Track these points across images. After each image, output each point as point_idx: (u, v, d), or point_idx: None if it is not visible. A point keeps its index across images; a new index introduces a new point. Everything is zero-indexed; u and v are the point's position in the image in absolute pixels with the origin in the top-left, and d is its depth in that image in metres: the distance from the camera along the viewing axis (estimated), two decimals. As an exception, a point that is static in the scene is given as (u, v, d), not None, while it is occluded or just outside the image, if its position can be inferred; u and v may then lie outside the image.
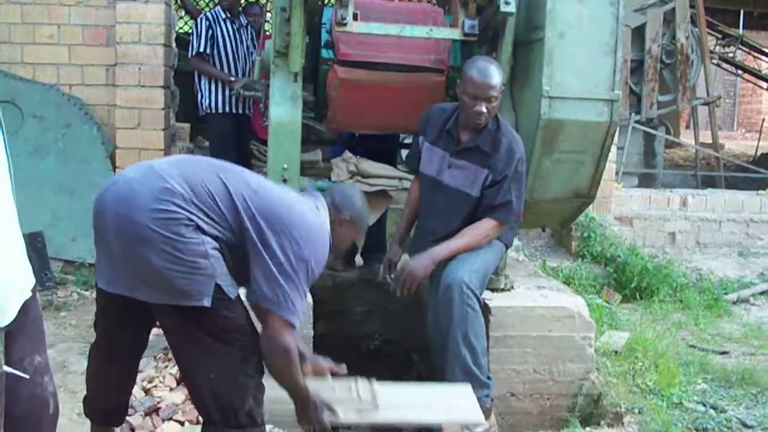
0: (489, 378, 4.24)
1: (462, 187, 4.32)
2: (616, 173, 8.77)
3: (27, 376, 2.29)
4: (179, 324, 2.98)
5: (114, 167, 6.60)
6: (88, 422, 4.00)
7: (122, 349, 3.36)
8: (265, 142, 4.97)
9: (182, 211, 2.84)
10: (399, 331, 5.54)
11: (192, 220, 2.85)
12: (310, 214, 3.13)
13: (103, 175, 6.44)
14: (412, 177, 5.12)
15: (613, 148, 7.66)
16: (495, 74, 4.18)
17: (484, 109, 4.17)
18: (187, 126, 7.50)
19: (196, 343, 2.99)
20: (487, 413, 4.14)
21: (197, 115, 7.30)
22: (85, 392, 3.47)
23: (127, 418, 4.29)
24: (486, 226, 4.29)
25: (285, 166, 4.63)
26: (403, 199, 5.04)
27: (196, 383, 3.09)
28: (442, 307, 4.18)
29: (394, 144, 6.13)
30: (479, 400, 3.97)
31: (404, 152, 6.98)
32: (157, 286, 2.88)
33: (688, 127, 17.80)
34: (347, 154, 5.00)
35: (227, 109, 6.92)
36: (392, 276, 4.36)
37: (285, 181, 4.64)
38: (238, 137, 7.03)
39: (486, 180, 4.27)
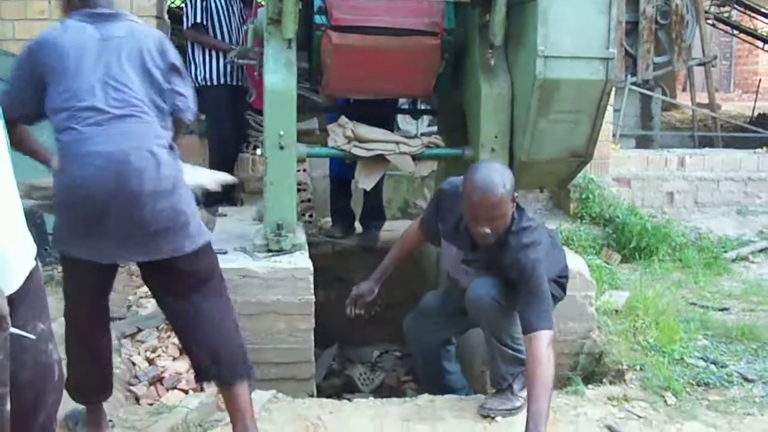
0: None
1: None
2: (613, 135, 8.74)
3: (33, 337, 2.29)
4: (196, 270, 3.06)
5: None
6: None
7: (102, 317, 3.40)
8: (260, 112, 4.97)
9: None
10: (400, 297, 5.55)
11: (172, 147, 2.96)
12: None
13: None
14: (410, 141, 5.12)
15: (610, 110, 7.65)
16: (494, 191, 3.62)
17: (487, 230, 3.70)
18: (182, 99, 7.46)
19: (212, 284, 3.20)
20: None
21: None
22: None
23: (132, 387, 4.33)
24: (541, 362, 3.56)
25: (281, 132, 4.62)
26: (401, 163, 5.05)
27: (212, 331, 3.22)
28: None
29: (391, 109, 6.11)
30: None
31: (401, 117, 6.99)
32: (180, 233, 3.01)
33: (684, 89, 17.74)
34: (343, 119, 4.99)
35: (223, 81, 6.89)
36: (356, 310, 4.28)
37: (282, 147, 4.64)
38: (234, 108, 7.01)
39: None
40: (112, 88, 3.04)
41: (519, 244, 3.74)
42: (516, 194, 3.75)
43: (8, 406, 2.17)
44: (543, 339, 3.57)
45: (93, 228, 2.98)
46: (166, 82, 3.20)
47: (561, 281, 4.15)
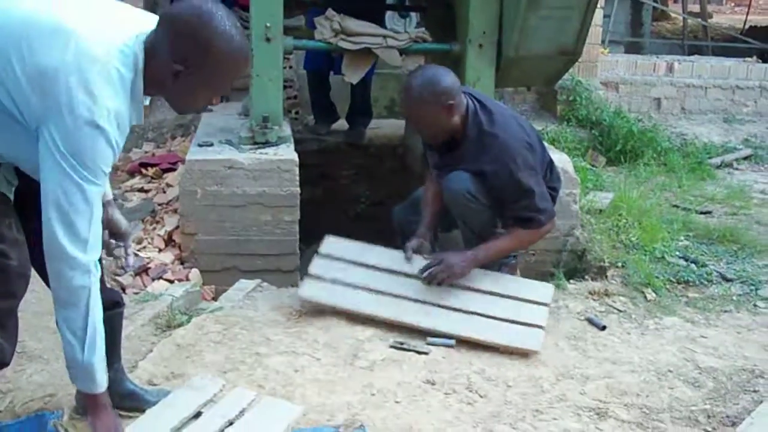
0: None
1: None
2: (602, 41, 8.67)
3: None
4: None
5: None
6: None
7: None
8: (247, 9, 4.89)
9: None
10: (386, 194, 5.57)
11: None
12: None
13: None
14: (398, 35, 5.07)
15: (600, 12, 7.57)
16: (414, 94, 3.67)
17: (424, 131, 3.85)
18: (167, -6, 7.34)
19: None
20: (513, 269, 4.21)
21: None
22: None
23: (117, 278, 4.35)
24: (526, 232, 3.86)
25: (268, 24, 4.55)
26: (388, 57, 5.00)
27: None
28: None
29: (379, 5, 6.01)
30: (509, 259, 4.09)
31: (389, 17, 6.90)
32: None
33: (676, 0, 17.60)
34: (330, 12, 4.91)
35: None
36: (410, 255, 3.92)
37: (268, 40, 4.59)
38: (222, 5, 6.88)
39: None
40: None
41: (493, 144, 3.75)
42: (451, 102, 3.68)
43: None
44: (533, 234, 3.89)
45: None
46: None
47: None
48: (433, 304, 3.74)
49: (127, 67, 2.14)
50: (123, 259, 2.60)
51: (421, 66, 3.87)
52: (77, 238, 2.12)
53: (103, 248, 2.43)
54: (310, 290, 3.80)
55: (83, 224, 2.12)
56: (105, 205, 2.47)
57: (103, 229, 2.42)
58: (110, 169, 2.18)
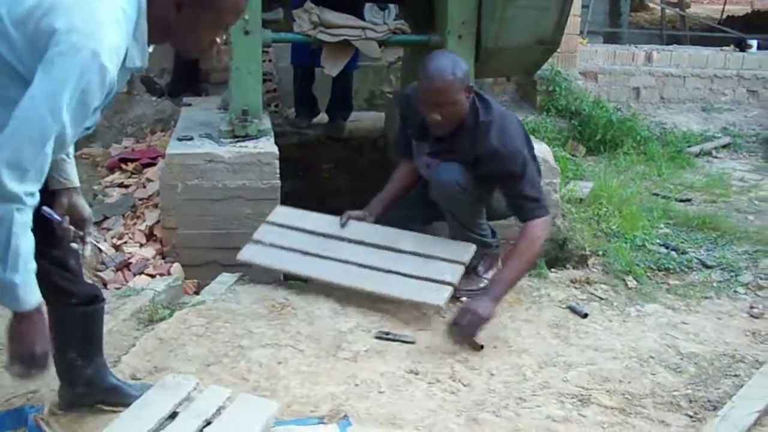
0: (493, 234, 4.20)
1: None
2: (581, 32, 8.69)
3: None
4: None
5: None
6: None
7: None
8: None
9: None
10: (366, 187, 5.55)
11: None
12: None
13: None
14: (377, 27, 5.06)
15: (578, 3, 7.58)
16: (443, 76, 3.64)
17: (437, 117, 3.70)
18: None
19: None
20: (494, 258, 4.23)
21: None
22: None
23: (99, 273, 4.34)
24: (528, 245, 3.67)
25: (246, 17, 4.53)
26: (367, 48, 5.00)
27: None
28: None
29: (357, -3, 6.00)
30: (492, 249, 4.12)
31: (368, 9, 6.89)
32: None
33: (653, -10, 17.66)
34: (309, 4, 4.89)
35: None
36: (345, 221, 4.07)
37: (247, 32, 4.58)
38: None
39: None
40: None
41: (493, 133, 3.71)
42: (471, 85, 3.76)
43: None
44: (537, 225, 3.70)
45: None
46: None
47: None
48: (356, 264, 3.92)
49: (132, 6, 2.12)
50: (81, 250, 2.57)
51: (433, 53, 3.85)
52: (18, 166, 2.07)
53: (64, 236, 2.45)
54: (248, 253, 4.07)
55: (31, 154, 2.05)
56: (69, 190, 2.49)
57: (65, 215, 2.45)
58: (95, 111, 2.15)
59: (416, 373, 3.23)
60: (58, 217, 2.41)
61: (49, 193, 2.38)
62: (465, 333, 3.44)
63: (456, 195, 3.83)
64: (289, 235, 4.10)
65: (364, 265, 3.90)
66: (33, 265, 2.16)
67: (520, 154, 3.71)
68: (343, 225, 4.07)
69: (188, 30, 2.27)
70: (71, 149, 2.42)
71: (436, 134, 3.84)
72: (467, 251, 3.89)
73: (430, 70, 3.68)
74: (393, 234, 4.04)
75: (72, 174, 2.52)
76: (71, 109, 2.02)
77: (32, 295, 2.20)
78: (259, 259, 4.05)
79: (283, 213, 4.27)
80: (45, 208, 2.31)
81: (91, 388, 2.70)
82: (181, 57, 6.71)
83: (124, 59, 2.14)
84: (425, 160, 4.02)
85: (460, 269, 3.81)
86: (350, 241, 4.03)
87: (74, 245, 2.53)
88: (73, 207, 2.54)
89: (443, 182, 3.84)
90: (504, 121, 3.80)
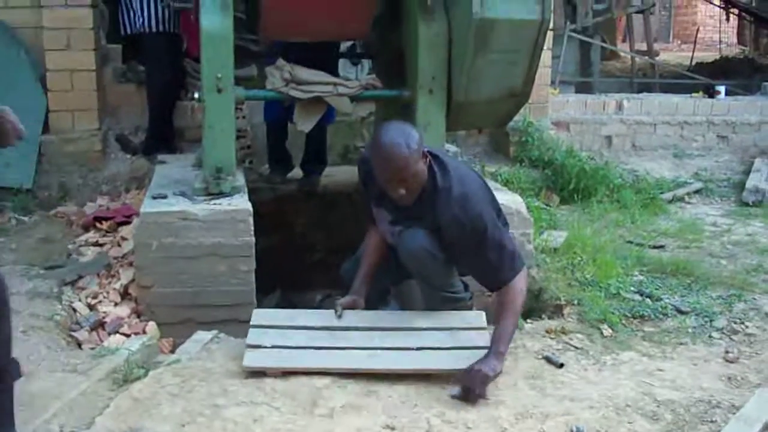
0: (466, 288, 4.21)
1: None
2: (552, 82, 8.80)
3: None
4: None
5: (45, 91, 6.48)
6: (31, 338, 4.04)
7: None
8: (197, 60, 4.90)
9: None
10: (342, 242, 5.57)
11: None
12: None
13: (33, 99, 6.33)
14: (348, 83, 5.11)
15: (548, 53, 7.68)
16: (400, 152, 3.58)
17: (402, 191, 3.68)
18: (118, 47, 7.33)
19: None
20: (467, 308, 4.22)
21: (122, 36, 7.08)
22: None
23: (73, 333, 4.32)
24: (512, 299, 3.74)
25: (219, 75, 4.58)
26: (339, 104, 5.05)
27: None
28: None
29: (332, 53, 6.06)
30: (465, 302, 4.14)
31: (341, 65, 6.96)
32: None
33: (624, 40, 17.92)
34: (281, 61, 4.95)
35: (162, 28, 6.75)
36: (341, 313, 3.95)
37: (220, 90, 4.61)
38: (173, 57, 6.90)
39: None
40: None
41: (452, 200, 3.71)
42: (425, 149, 3.74)
43: None
44: (515, 285, 3.76)
45: None
46: None
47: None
48: (381, 348, 3.79)
49: None
50: None
51: (382, 129, 3.81)
52: None
53: None
54: (254, 359, 3.72)
55: None
56: None
57: None
58: None
59: (392, 428, 3.21)
60: None
61: None
62: (482, 397, 3.47)
63: (426, 261, 3.86)
64: (289, 335, 3.88)
65: (392, 348, 3.79)
66: None
67: (481, 220, 3.71)
68: (339, 316, 3.95)
69: None
70: None
71: (401, 204, 3.81)
72: (480, 317, 4.00)
73: (385, 149, 3.63)
74: (399, 316, 4.11)
75: None
76: None
77: None
78: (272, 362, 3.70)
79: (265, 315, 4.09)
80: None
81: None
82: (154, 114, 6.75)
83: None
84: (388, 228, 4.03)
85: (487, 334, 3.84)
86: (358, 328, 3.91)
87: None
88: None
89: (412, 250, 3.86)
90: (463, 184, 3.78)
